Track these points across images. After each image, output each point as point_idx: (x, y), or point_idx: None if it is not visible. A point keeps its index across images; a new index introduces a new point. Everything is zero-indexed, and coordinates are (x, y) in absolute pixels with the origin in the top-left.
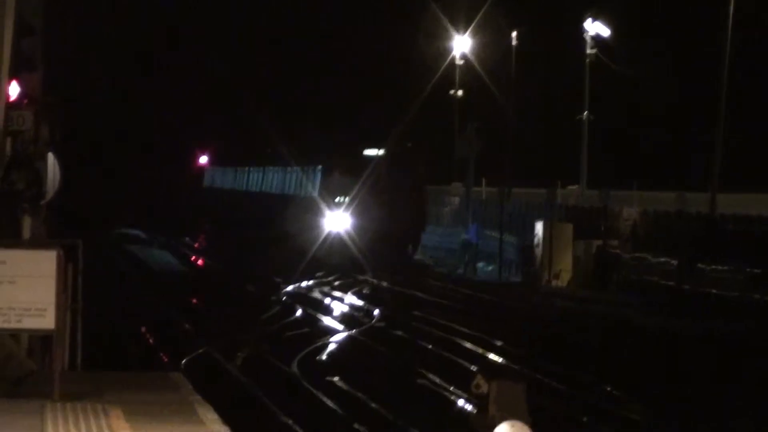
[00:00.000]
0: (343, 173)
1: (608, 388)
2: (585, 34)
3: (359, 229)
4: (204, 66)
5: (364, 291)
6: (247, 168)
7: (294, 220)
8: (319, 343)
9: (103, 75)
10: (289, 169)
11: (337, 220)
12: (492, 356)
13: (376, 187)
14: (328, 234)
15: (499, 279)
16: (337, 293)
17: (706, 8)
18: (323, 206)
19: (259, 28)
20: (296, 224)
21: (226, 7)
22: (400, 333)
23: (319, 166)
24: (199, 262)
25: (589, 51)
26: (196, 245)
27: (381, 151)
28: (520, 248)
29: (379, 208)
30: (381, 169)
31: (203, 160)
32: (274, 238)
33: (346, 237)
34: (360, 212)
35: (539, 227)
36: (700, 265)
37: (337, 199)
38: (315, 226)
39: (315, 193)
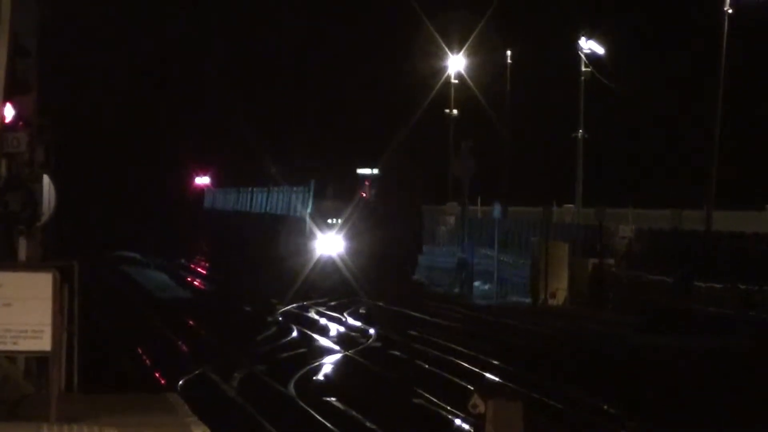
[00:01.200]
0: (336, 193)
1: (605, 406)
2: (579, 52)
3: (353, 251)
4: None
5: (360, 311)
6: (250, 189)
7: (286, 243)
8: (316, 364)
9: (101, 96)
10: (295, 189)
11: (329, 243)
12: (488, 375)
13: (371, 207)
14: (320, 258)
15: (495, 298)
16: (332, 314)
17: (701, 24)
18: (315, 228)
19: (255, 46)
20: (288, 247)
21: (221, 25)
22: (396, 353)
23: (312, 185)
24: (196, 283)
25: (583, 69)
26: (192, 266)
27: (375, 170)
28: (529, 267)
29: (374, 229)
30: (376, 188)
31: (204, 181)
32: (272, 260)
33: (338, 261)
34: (354, 234)
35: (535, 246)
36: (695, 282)
37: (329, 221)
38: (306, 250)
39: (306, 215)
